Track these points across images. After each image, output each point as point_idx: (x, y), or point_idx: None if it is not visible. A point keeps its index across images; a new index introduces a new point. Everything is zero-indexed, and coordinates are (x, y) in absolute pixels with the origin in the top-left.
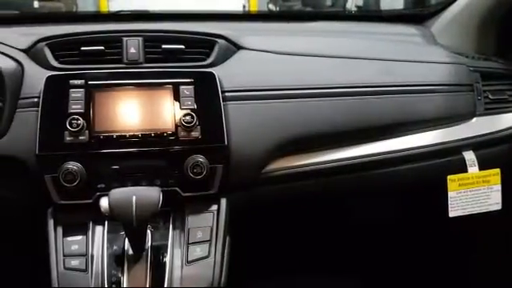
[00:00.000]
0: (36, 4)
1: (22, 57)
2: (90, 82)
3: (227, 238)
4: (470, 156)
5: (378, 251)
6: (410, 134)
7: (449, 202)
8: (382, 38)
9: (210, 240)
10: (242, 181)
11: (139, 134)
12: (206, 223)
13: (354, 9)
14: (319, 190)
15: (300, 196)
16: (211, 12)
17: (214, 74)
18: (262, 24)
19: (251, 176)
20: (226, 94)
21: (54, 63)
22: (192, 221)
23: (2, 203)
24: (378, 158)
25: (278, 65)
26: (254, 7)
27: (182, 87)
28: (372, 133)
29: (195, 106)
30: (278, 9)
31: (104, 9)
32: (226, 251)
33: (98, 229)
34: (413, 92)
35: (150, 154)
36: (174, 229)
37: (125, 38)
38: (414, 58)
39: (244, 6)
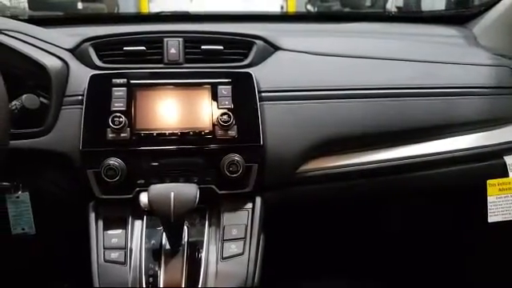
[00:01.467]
0: (80, 5)
1: (67, 56)
2: (131, 81)
3: (261, 236)
4: (511, 160)
5: (411, 256)
6: (449, 136)
7: (488, 207)
8: (421, 39)
9: (244, 237)
10: (277, 180)
11: (178, 132)
12: (241, 221)
13: (393, 9)
14: (353, 191)
15: (334, 197)
16: (249, 13)
17: (251, 75)
18: (300, 25)
19: (286, 176)
20: (263, 94)
21: (98, 62)
22: (227, 218)
23: (47, 197)
24: (415, 160)
25: (315, 66)
26: (291, 8)
27: (219, 87)
28: (409, 135)
29: (232, 106)
30: (316, 9)
31: (144, 10)
32: (260, 249)
33: (137, 223)
34: (453, 94)
35: (188, 152)
36: (209, 225)
37: (165, 39)
38: (455, 59)
39: (282, 7)
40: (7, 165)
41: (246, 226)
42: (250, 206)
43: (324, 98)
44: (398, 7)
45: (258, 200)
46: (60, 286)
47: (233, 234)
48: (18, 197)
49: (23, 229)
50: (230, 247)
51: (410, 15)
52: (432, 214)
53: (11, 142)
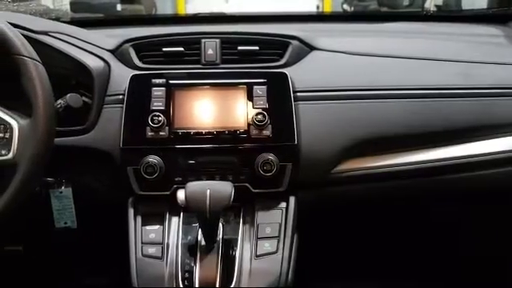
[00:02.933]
0: (119, 7)
1: (109, 57)
2: (170, 82)
3: (295, 236)
4: None
5: (447, 258)
6: (490, 138)
7: None
8: (461, 39)
9: (278, 236)
10: (311, 180)
11: (214, 131)
12: (275, 220)
13: (433, 8)
14: (389, 193)
15: (369, 198)
16: (285, 13)
17: (286, 75)
18: (336, 25)
19: (320, 176)
20: (298, 94)
21: (138, 63)
22: (261, 216)
23: (88, 192)
24: (452, 162)
25: (351, 65)
26: (327, 8)
27: (255, 87)
28: (447, 136)
29: (267, 106)
30: (352, 9)
31: (181, 11)
32: (293, 248)
33: (174, 219)
34: (493, 95)
35: (224, 151)
36: (243, 223)
37: (203, 40)
38: (496, 59)
39: (318, 7)
40: (52, 161)
41: (280, 225)
42: (283, 205)
43: (361, 98)
44: (437, 6)
45: (292, 199)
46: (98, 281)
47: (266, 232)
48: (61, 192)
49: (65, 223)
50: (263, 245)
51: (450, 14)
52: (470, 216)
53: (56, 139)
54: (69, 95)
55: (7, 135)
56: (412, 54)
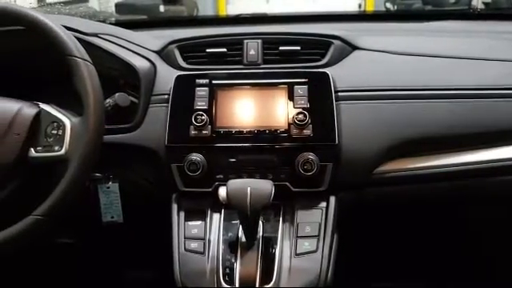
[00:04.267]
0: (161, 8)
1: (154, 57)
2: (213, 82)
3: (335, 235)
4: None
5: (486, 259)
6: None
7: None
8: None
9: (318, 235)
10: (352, 180)
11: (255, 130)
12: (315, 219)
13: (480, 6)
14: (431, 194)
15: (411, 199)
16: (327, 13)
17: (327, 74)
18: (379, 24)
19: (361, 176)
20: (340, 93)
21: (183, 63)
22: (301, 215)
23: (134, 188)
24: (500, 164)
25: (394, 65)
26: (370, 7)
27: (296, 87)
28: (495, 137)
29: (308, 105)
30: (395, 8)
31: (222, 11)
32: (333, 247)
33: (215, 216)
34: None
35: (264, 150)
36: (283, 222)
37: (245, 41)
38: None
39: (360, 6)
40: (100, 157)
41: (320, 225)
42: (323, 204)
43: (404, 98)
44: (485, 3)
45: (332, 199)
46: (141, 274)
47: (306, 231)
48: (108, 187)
49: (112, 217)
50: (303, 244)
51: (499, 12)
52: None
53: (104, 136)
54: (117, 94)
55: (60, 132)
56: (458, 53)
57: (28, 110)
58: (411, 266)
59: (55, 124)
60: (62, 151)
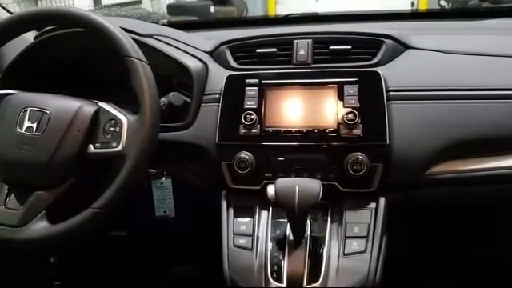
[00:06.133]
0: (212, 9)
1: (206, 58)
2: (262, 81)
3: (384, 237)
4: None
5: None
6: None
7: None
8: None
9: (366, 236)
10: (403, 181)
11: (304, 129)
12: (364, 220)
13: None
14: (486, 197)
15: (464, 202)
16: (378, 12)
17: (379, 74)
18: (433, 22)
19: (412, 177)
20: (391, 93)
21: (233, 64)
22: (349, 216)
23: (185, 184)
24: None
25: (447, 65)
26: (423, 5)
27: (346, 86)
28: None
29: (358, 105)
30: (450, 5)
31: (272, 11)
32: (382, 249)
33: (264, 213)
34: None
35: (313, 149)
36: (331, 222)
37: (295, 41)
38: None
39: (412, 4)
40: (155, 154)
41: (369, 225)
42: (373, 205)
43: (457, 98)
44: None
45: (382, 200)
46: (188, 268)
47: (354, 231)
48: (162, 183)
49: (164, 211)
50: (351, 244)
51: None
52: None
53: (159, 134)
54: (171, 94)
55: (117, 129)
56: None
57: (88, 108)
58: (458, 267)
59: (113, 121)
60: (119, 147)
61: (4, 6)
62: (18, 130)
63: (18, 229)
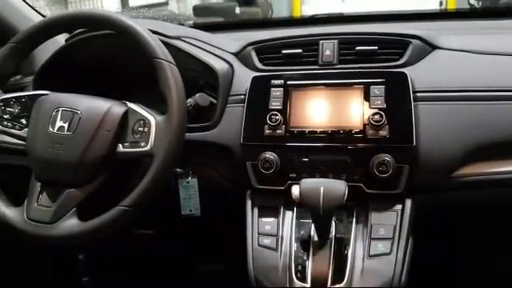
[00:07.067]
0: (237, 10)
1: (232, 59)
2: (288, 82)
3: (410, 239)
4: None
5: None
6: None
7: None
8: None
9: (392, 238)
10: (430, 183)
11: (329, 130)
12: (390, 221)
13: None
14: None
15: (491, 204)
16: (406, 12)
17: (405, 74)
18: (462, 22)
19: (440, 179)
20: (418, 94)
21: (259, 65)
22: (375, 217)
23: (211, 184)
24: None
25: (476, 65)
26: (451, 5)
27: (372, 87)
28: None
29: (385, 106)
30: (480, 4)
31: (297, 12)
32: (408, 251)
33: (288, 214)
34: None
35: (338, 150)
36: (357, 223)
37: (321, 41)
38: None
39: (441, 3)
40: (182, 154)
41: (395, 227)
42: (399, 207)
43: (486, 99)
44: None
45: (409, 202)
46: (212, 267)
47: (380, 233)
48: (188, 182)
49: (190, 210)
50: (376, 246)
51: None
52: None
53: (186, 134)
54: (198, 95)
55: (146, 129)
56: None
57: (117, 109)
58: (488, 277)
59: (141, 121)
60: (148, 147)
61: (37, 8)
62: (51, 129)
63: (50, 225)
